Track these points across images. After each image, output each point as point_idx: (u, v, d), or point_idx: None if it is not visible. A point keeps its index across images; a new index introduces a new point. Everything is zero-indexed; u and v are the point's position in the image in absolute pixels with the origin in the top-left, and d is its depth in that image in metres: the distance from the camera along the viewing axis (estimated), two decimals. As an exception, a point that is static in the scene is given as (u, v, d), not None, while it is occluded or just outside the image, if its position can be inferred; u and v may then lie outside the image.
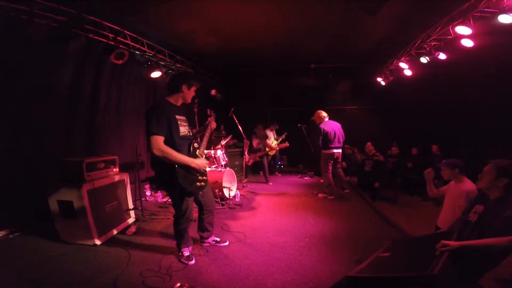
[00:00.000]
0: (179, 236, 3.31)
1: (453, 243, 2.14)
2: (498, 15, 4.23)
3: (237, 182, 6.54)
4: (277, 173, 9.52)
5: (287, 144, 8.55)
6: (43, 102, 4.52)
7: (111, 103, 5.79)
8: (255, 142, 8.22)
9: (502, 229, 2.08)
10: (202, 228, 3.68)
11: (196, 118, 4.95)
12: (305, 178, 9.00)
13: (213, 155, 6.32)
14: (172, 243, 3.74)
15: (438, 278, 1.81)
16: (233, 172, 6.31)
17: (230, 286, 2.84)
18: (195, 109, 4.95)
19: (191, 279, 2.93)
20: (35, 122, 4.41)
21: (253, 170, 9.45)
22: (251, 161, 8.11)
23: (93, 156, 4.18)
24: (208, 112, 3.84)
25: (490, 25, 4.49)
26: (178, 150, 2.94)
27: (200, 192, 3.35)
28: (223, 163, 6.45)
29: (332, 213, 5.21)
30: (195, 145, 3.22)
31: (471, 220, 2.42)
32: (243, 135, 7.13)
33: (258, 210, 5.48)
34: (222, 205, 5.58)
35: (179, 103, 3.23)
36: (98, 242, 3.67)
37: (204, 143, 3.33)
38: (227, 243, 3.79)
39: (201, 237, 3.73)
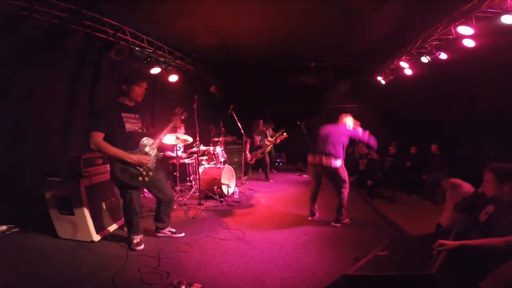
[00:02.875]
0: (128, 224, 3.49)
1: (450, 243, 2.14)
2: (501, 15, 4.21)
3: (236, 179, 6.54)
4: (273, 170, 9.49)
5: (285, 135, 8.37)
6: (42, 98, 4.52)
7: (110, 99, 5.76)
8: (256, 139, 8.21)
9: (505, 232, 2.06)
10: (158, 218, 3.80)
11: (195, 114, 4.95)
12: (304, 176, 8.98)
13: (212, 152, 6.31)
14: (170, 240, 3.76)
15: (436, 277, 1.81)
16: (232, 169, 6.30)
17: (228, 283, 2.83)
18: (195, 106, 4.95)
19: (189, 276, 2.91)
20: (33, 118, 4.41)
21: (252, 167, 9.43)
22: (254, 159, 8.09)
23: (91, 152, 4.15)
24: (177, 110, 3.65)
25: (492, 26, 4.46)
26: (121, 145, 3.12)
27: (153, 189, 3.56)
28: (222, 159, 6.45)
29: (330, 210, 5.16)
30: (144, 141, 3.31)
31: (481, 219, 2.39)
32: (243, 132, 7.12)
33: (257, 207, 5.48)
34: (221, 202, 5.57)
35: (129, 102, 3.36)
36: (95, 238, 3.64)
37: (158, 139, 3.42)
38: (183, 234, 3.90)
39: (157, 228, 3.85)
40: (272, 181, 8.02)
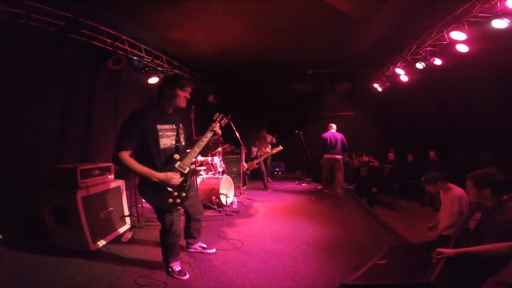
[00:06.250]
0: (167, 250, 3.09)
1: (448, 251, 2.16)
2: (492, 20, 4.26)
3: (235, 189, 6.51)
4: (268, 178, 9.39)
5: (280, 147, 8.46)
6: (38, 108, 4.50)
7: (107, 109, 5.77)
8: (253, 150, 8.20)
9: (497, 235, 2.10)
10: (188, 235, 3.62)
11: (193, 125, 4.94)
12: (303, 184, 8.98)
13: (210, 162, 6.30)
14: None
15: (434, 286, 1.80)
16: (230, 179, 6.28)
17: (225, 294, 2.80)
18: (192, 116, 4.93)
19: (187, 287, 2.89)
20: (29, 127, 4.39)
21: (250, 177, 9.38)
22: (249, 169, 8.09)
23: (88, 163, 4.14)
24: (215, 116, 3.22)
25: (484, 30, 4.51)
26: (153, 163, 2.73)
27: (187, 203, 3.12)
28: (220, 170, 6.43)
29: (329, 219, 5.18)
30: (175, 156, 2.84)
31: (470, 227, 2.45)
32: (241, 142, 7.11)
33: (255, 217, 5.45)
34: (219, 212, 5.53)
35: (169, 109, 2.95)
36: (92, 248, 3.61)
37: (192, 153, 2.93)
38: (213, 250, 3.74)
39: (187, 243, 3.68)
40: (270, 190, 7.98)
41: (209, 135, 3.04)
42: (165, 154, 2.82)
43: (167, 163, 2.81)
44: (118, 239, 4.10)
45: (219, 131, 3.09)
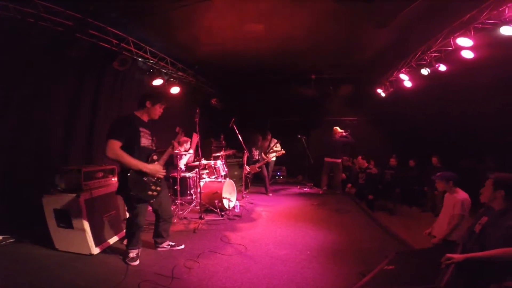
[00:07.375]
0: (129, 237, 3.47)
1: (457, 256, 2.17)
2: (500, 26, 4.24)
3: (237, 193, 6.47)
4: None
5: (283, 151, 8.46)
6: (43, 107, 4.50)
7: (112, 110, 5.75)
8: (254, 153, 8.18)
9: (503, 239, 2.11)
10: (157, 234, 3.84)
11: (197, 127, 4.94)
12: (305, 189, 8.92)
13: (212, 165, 6.27)
14: (170, 255, 3.70)
15: None
16: (233, 183, 6.24)
17: (230, 299, 2.76)
18: (196, 119, 4.93)
19: (190, 292, 2.86)
20: (34, 127, 4.38)
21: (252, 181, 9.33)
22: (252, 173, 8.06)
23: (92, 165, 4.13)
24: (177, 130, 3.88)
25: (491, 37, 4.50)
26: (134, 158, 3.14)
27: (153, 202, 3.47)
28: (223, 173, 6.40)
29: (333, 224, 5.14)
30: (154, 157, 3.40)
31: (476, 230, 2.47)
32: (244, 145, 7.08)
33: (258, 221, 5.41)
34: (222, 216, 5.49)
35: (146, 118, 3.46)
36: (94, 251, 3.57)
37: (165, 156, 3.51)
38: (182, 246, 3.95)
39: (156, 242, 3.86)
40: (271, 194, 7.95)
41: (170, 149, 3.64)
42: (144, 152, 3.30)
43: (147, 162, 3.29)
44: (120, 242, 4.04)
45: (176, 147, 3.86)
